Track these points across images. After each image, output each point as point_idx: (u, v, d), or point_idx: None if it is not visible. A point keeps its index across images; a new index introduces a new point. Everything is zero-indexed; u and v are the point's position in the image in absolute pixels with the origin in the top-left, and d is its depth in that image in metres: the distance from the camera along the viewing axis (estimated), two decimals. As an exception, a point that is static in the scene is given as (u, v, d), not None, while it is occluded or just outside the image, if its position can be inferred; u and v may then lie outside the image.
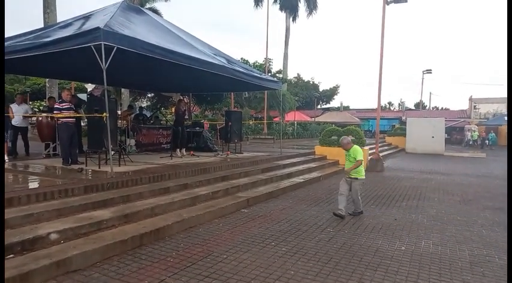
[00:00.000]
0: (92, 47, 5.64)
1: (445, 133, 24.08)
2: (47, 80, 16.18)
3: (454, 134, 32.06)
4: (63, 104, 6.95)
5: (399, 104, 61.41)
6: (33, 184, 5.68)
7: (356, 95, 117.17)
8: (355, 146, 6.23)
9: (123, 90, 20.79)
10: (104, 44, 5.56)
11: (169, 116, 22.63)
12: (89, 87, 24.14)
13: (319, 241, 4.85)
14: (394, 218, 6.21)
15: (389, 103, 68.07)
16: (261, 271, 3.83)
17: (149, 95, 26.07)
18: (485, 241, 5.08)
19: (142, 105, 20.78)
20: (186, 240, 4.71)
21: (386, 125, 36.64)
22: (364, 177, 6.23)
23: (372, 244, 4.80)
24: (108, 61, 5.72)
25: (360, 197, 6.27)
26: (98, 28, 5.59)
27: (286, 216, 6.13)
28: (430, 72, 38.88)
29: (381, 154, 14.69)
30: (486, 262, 4.28)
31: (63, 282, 3.37)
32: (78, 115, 6.75)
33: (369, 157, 13.37)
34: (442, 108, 60.88)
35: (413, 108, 55.99)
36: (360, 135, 13.30)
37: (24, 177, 6.28)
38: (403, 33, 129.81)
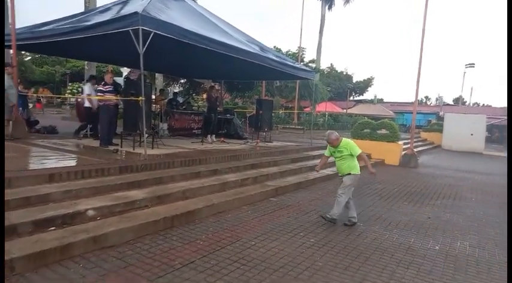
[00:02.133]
0: (130, 31, 5.75)
1: (486, 131, 22.83)
2: (86, 62, 16.78)
3: (496, 132, 30.31)
4: (106, 87, 7.19)
5: (437, 98, 58.88)
6: (72, 162, 5.93)
7: (391, 87, 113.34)
8: (345, 140, 5.30)
9: (157, 75, 21.19)
10: (142, 29, 5.65)
11: (200, 102, 22.94)
12: (124, 71, 24.86)
13: (349, 235, 4.77)
14: (428, 216, 5.99)
15: (426, 97, 65.43)
16: (289, 260, 3.82)
17: (182, 81, 26.49)
18: (527, 246, 4.79)
19: (175, 91, 21.13)
20: (215, 225, 4.78)
21: (422, 120, 35.18)
22: (359, 173, 5.29)
23: (404, 242, 4.66)
24: (145, 46, 5.81)
25: (342, 200, 5.15)
26: (136, 13, 5.68)
27: (315, 208, 6.07)
28: (473, 66, 36.85)
29: (415, 150, 14.16)
30: (528, 268, 4.04)
31: (99, 257, 3.52)
32: (119, 98, 6.92)
33: (403, 153, 12.94)
34: (483, 104, 57.69)
35: (452, 103, 53.43)
36: (395, 129, 12.87)
37: (63, 155, 6.58)
38: (445, 23, 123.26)
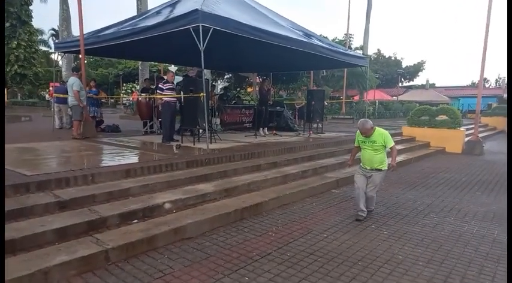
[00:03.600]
0: (191, 29, 5.89)
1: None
2: (140, 63, 17.58)
3: None
4: (166, 85, 7.47)
5: (496, 80, 54.34)
6: (143, 158, 6.25)
7: (443, 71, 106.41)
8: (380, 129, 4.79)
9: (205, 71, 21.67)
10: (202, 26, 5.76)
11: (247, 96, 23.10)
12: (172, 69, 25.72)
13: (424, 227, 4.55)
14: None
15: (485, 79, 60.43)
16: (366, 253, 3.72)
17: (226, 76, 26.87)
18: None
19: (222, 86, 21.50)
20: (283, 217, 4.79)
21: (481, 104, 32.74)
22: (387, 168, 4.82)
23: (487, 234, 4.36)
24: (206, 42, 5.92)
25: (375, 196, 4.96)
26: (196, 10, 5.80)
27: (381, 199, 5.85)
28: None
29: (479, 135, 13.18)
30: None
31: (181, 248, 3.67)
32: (179, 95, 7.17)
33: (466, 139, 12.11)
34: (551, 83, 52.20)
35: (515, 84, 48.92)
36: (456, 115, 12.06)
37: (132, 151, 6.95)
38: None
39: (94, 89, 10.35)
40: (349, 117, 20.07)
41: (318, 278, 3.16)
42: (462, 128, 12.53)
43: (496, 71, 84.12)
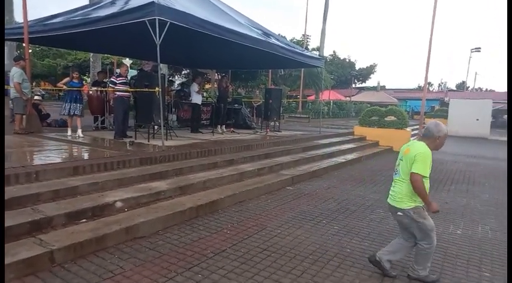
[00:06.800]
0: (147, 22, 5.72)
1: (491, 116, 22.77)
2: (91, 54, 16.70)
3: (501, 117, 30.23)
4: (120, 78, 7.17)
5: (439, 84, 58.60)
6: (92, 155, 5.97)
7: (392, 74, 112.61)
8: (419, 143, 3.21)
9: (161, 65, 21.09)
10: (158, 19, 5.62)
11: (206, 92, 22.84)
12: (126, 62, 24.72)
13: (371, 222, 4.82)
14: (445, 202, 6.04)
15: (429, 83, 64.89)
16: (317, 247, 3.88)
17: (184, 71, 26.34)
18: (547, 229, 4.85)
19: (177, 81, 21.04)
20: (238, 214, 4.84)
21: (425, 106, 35.15)
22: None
23: (426, 227, 4.71)
24: (162, 36, 5.78)
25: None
26: (152, 2, 5.64)
27: (332, 195, 6.12)
28: (479, 51, 36.56)
29: (423, 136, 14.15)
30: (552, 251, 4.10)
31: (133, 247, 3.58)
32: (134, 90, 6.92)
33: (411, 139, 12.93)
34: (486, 89, 57.36)
35: (455, 88, 53.15)
36: (403, 116, 12.86)
37: (82, 147, 6.61)
38: (446, 10, 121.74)
39: (76, 81, 8.07)
40: (305, 116, 20.60)
41: (271, 272, 3.24)
42: (408, 129, 13.37)
43: (439, 76, 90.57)
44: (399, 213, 3.16)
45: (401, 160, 3.20)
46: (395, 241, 3.42)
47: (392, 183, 3.27)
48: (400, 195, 3.13)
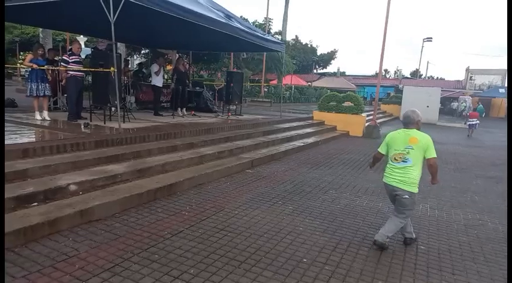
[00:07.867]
0: (100, -3, 5.46)
1: (440, 103, 24.32)
2: (41, 30, 15.59)
3: (448, 105, 32.37)
4: (73, 57, 6.81)
5: (395, 71, 61.17)
6: (44, 137, 5.72)
7: (352, 60, 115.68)
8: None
9: (119, 44, 20.14)
10: (113, -4, 5.39)
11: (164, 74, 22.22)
12: (80, 39, 23.35)
13: (324, 202, 5.10)
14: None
15: (385, 70, 67.53)
16: (272, 226, 4.07)
17: (144, 51, 25.37)
18: (478, 206, 5.41)
19: (136, 62, 20.31)
20: (197, 196, 4.91)
21: (381, 93, 36.55)
22: None
23: (373, 206, 5.08)
24: (117, 14, 5.57)
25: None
26: (106, -22, 5.38)
27: (289, 178, 6.35)
28: (431, 40, 38.48)
29: (377, 121, 14.88)
30: (479, 225, 4.60)
31: (88, 230, 3.55)
32: (88, 69, 6.58)
33: (366, 124, 13.57)
34: (437, 77, 60.79)
35: (409, 76, 55.81)
36: (359, 102, 13.40)
37: (31, 129, 6.29)
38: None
39: (41, 59, 7.14)
40: (267, 100, 20.77)
41: (227, 251, 3.38)
42: (364, 114, 13.99)
43: (396, 63, 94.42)
44: (406, 196, 3.55)
45: (412, 149, 3.52)
46: (390, 220, 3.76)
47: (399, 171, 3.57)
48: (415, 181, 3.54)
